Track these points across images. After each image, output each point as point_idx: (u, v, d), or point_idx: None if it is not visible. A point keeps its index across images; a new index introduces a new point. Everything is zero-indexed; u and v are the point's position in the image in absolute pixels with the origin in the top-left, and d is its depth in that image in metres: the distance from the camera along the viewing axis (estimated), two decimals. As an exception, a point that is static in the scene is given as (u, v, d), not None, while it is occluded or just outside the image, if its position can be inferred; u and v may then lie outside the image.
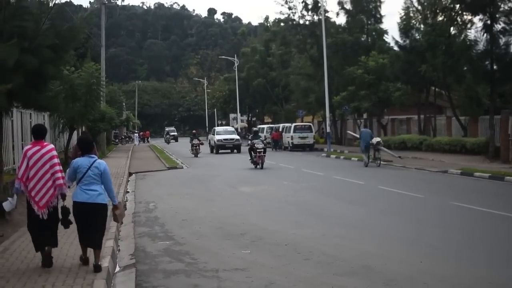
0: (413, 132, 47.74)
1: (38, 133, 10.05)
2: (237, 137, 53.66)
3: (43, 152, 9.77)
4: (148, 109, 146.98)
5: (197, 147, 45.91)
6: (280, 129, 57.73)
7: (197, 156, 45.34)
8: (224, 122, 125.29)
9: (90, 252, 9.97)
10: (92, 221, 9.63)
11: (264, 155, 32.66)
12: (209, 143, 55.65)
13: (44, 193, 9.67)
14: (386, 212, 16.49)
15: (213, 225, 14.81)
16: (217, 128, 58.09)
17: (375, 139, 33.07)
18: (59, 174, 9.80)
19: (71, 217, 9.88)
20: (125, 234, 14.03)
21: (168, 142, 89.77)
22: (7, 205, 9.93)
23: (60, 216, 9.99)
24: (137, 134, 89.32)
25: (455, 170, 27.06)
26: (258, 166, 32.39)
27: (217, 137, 52.36)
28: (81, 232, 9.76)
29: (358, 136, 36.10)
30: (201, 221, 15.54)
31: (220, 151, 51.25)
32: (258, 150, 32.37)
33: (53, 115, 25.17)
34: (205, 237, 13.35)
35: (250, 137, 35.79)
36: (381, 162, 32.54)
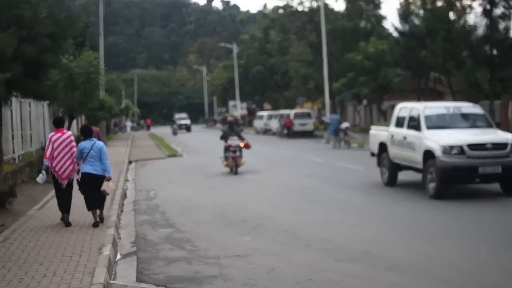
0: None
1: (59, 123, 13.23)
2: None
3: (64, 137, 12.73)
4: (147, 97, 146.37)
5: (236, 153, 23.92)
6: (280, 116, 57.44)
7: (236, 173, 23.68)
8: (224, 110, 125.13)
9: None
10: (96, 188, 12.41)
11: None
12: (381, 156, 20.01)
13: (65, 168, 12.62)
14: (387, 198, 16.49)
15: (214, 212, 14.83)
16: (428, 107, 18.35)
17: (344, 124, 37.37)
18: None
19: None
20: (126, 222, 14.04)
21: (175, 133, 65.84)
22: (40, 179, 12.84)
23: (78, 186, 12.80)
24: (129, 123, 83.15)
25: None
26: None
27: (445, 138, 16.15)
28: (88, 197, 12.59)
29: (329, 122, 38.71)
30: (202, 208, 15.56)
31: (454, 183, 16.34)
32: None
33: (52, 104, 25.06)
34: (206, 224, 13.37)
35: None
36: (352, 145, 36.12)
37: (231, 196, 17.83)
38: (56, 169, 12.57)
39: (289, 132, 53.07)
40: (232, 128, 25.67)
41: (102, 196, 12.69)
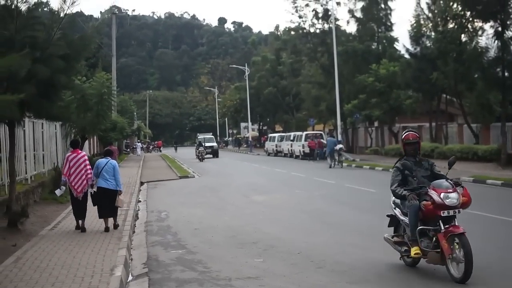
0: (424, 139, 47.52)
1: (75, 144, 15.61)
2: None
3: (79, 157, 14.91)
4: (159, 118, 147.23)
5: (458, 226, 9.50)
6: (292, 138, 57.05)
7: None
8: (235, 131, 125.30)
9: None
10: (108, 199, 14.63)
11: None
12: None
13: (80, 183, 14.75)
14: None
15: (226, 234, 14.80)
16: None
17: (338, 146, 40.61)
18: (90, 171, 14.95)
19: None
20: (138, 243, 14.03)
21: (201, 158, 55.43)
22: (58, 192, 15.41)
23: (91, 199, 14.97)
24: (139, 144, 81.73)
25: (467, 177, 26.90)
26: None
27: None
28: (101, 207, 14.71)
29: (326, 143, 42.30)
30: (214, 229, 15.53)
31: None
32: None
33: (64, 124, 25.21)
34: (218, 245, 13.34)
35: None
36: (344, 164, 40.46)
37: (243, 217, 17.80)
38: (72, 184, 14.76)
39: (317, 155, 49.68)
40: (418, 162, 10.63)
41: (114, 207, 14.78)
